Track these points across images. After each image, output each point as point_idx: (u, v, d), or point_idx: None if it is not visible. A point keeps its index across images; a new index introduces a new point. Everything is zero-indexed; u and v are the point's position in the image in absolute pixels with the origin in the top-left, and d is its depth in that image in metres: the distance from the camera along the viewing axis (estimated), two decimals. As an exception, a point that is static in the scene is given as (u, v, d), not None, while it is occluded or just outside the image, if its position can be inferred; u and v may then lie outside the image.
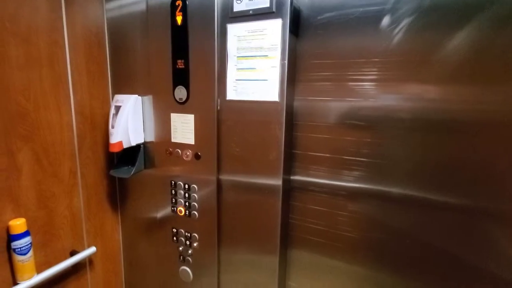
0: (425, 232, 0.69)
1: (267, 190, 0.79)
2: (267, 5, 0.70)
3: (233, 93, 0.78)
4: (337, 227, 0.79)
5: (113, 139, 0.90)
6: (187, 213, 0.92)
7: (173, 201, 0.94)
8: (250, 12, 0.72)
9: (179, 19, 0.80)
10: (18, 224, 0.76)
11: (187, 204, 0.91)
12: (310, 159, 0.80)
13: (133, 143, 0.94)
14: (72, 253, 0.86)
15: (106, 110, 1.01)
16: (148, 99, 0.94)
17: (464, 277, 0.67)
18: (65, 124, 0.87)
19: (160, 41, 0.85)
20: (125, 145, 0.92)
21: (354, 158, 0.74)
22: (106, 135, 1.01)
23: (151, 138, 0.97)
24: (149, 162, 0.99)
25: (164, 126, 0.90)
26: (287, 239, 0.86)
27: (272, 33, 0.70)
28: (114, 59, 1.00)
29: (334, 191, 0.78)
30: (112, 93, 1.03)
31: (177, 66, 0.84)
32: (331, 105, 0.75)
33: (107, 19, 0.98)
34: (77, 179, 0.92)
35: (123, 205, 1.11)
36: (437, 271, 0.70)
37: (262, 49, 0.72)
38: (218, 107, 0.81)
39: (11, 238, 0.75)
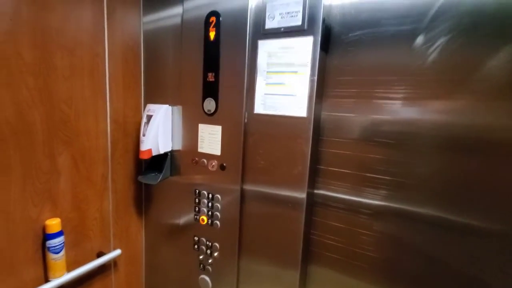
0: (447, 254, 0.66)
1: (291, 203, 0.79)
2: (299, 23, 0.71)
3: (261, 107, 0.80)
4: (358, 245, 0.77)
5: (144, 147, 0.94)
6: (209, 222, 0.93)
7: (196, 209, 0.96)
8: (282, 29, 0.74)
9: (212, 34, 0.84)
10: (53, 224, 0.80)
11: (210, 213, 0.93)
12: (334, 175, 0.79)
13: (162, 151, 0.97)
14: (99, 255, 0.90)
15: (138, 118, 1.06)
16: (178, 109, 0.98)
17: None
18: (100, 131, 0.92)
19: (192, 54, 0.89)
20: (154, 153, 0.96)
21: (377, 175, 0.72)
22: (137, 142, 1.06)
23: (178, 146, 1.00)
24: (174, 170, 1.02)
25: (191, 136, 0.93)
26: (308, 254, 0.85)
27: (303, 50, 0.71)
28: (148, 70, 1.06)
29: (356, 208, 0.76)
30: (144, 103, 1.08)
31: (207, 79, 0.87)
32: (358, 121, 0.74)
33: (143, 32, 1.04)
34: (108, 184, 0.96)
35: (147, 211, 1.14)
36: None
37: (292, 65, 0.74)
38: (246, 120, 0.83)
39: (47, 237, 0.80)
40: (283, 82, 0.76)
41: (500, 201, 0.60)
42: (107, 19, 0.90)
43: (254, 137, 0.82)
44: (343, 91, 0.75)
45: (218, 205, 0.90)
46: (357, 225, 0.77)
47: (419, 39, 0.65)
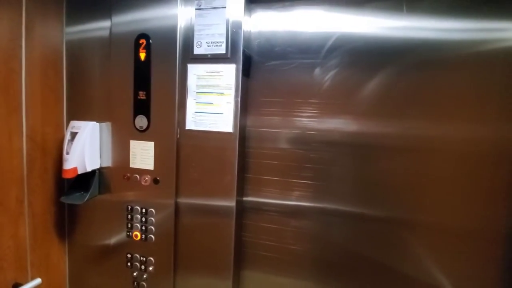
0: (358, 242, 0.85)
1: (222, 211, 0.87)
2: (223, 51, 0.82)
3: (192, 123, 0.87)
4: (285, 241, 0.91)
5: (68, 165, 0.90)
6: (143, 237, 0.94)
7: (129, 226, 0.95)
8: (209, 56, 0.84)
9: (142, 55, 0.88)
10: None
11: (143, 228, 0.94)
12: (261, 182, 0.92)
13: (89, 169, 0.94)
14: (15, 286, 0.81)
15: (60, 135, 1.01)
16: (107, 126, 0.97)
17: (390, 280, 0.83)
18: (15, 150, 0.84)
19: (122, 72, 0.91)
20: (80, 171, 0.92)
21: (297, 180, 0.88)
22: (58, 161, 1.00)
23: (107, 163, 0.98)
24: (103, 188, 1.00)
25: (122, 152, 0.94)
26: (241, 257, 0.94)
27: (227, 75, 0.83)
28: (71, 84, 1.02)
29: (281, 209, 0.90)
30: (67, 119, 1.03)
31: (138, 97, 0.90)
32: (278, 135, 0.89)
33: (66, 43, 1.00)
34: (24, 208, 0.88)
35: (72, 234, 1.07)
36: (369, 278, 0.85)
37: (219, 87, 0.84)
38: (178, 136, 0.89)
39: None
40: (212, 102, 0.85)
41: (391, 194, 0.82)
42: (26, 31, 0.85)
43: (186, 151, 0.89)
44: (265, 110, 0.90)
45: (152, 219, 0.93)
46: (283, 224, 0.91)
47: (317, 71, 0.84)
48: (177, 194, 0.91)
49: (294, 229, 0.90)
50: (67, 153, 0.91)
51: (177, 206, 0.91)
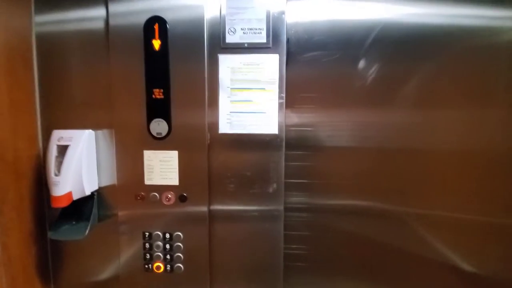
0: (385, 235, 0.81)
1: (268, 222, 0.76)
2: (264, 40, 0.70)
3: (226, 126, 0.73)
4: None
5: (59, 191, 0.67)
6: (168, 268, 0.77)
7: (147, 256, 0.77)
8: (245, 45, 0.71)
9: (156, 44, 0.71)
10: None
11: (168, 257, 0.76)
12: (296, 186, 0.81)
13: (88, 192, 0.73)
14: None
15: (34, 151, 0.76)
16: (105, 134, 0.76)
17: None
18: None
19: (127, 66, 0.72)
20: (76, 196, 0.71)
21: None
22: (37, 184, 0.75)
23: (109, 181, 0.78)
24: (105, 213, 0.79)
25: (133, 166, 0.75)
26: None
27: (269, 67, 0.71)
28: (45, 84, 0.77)
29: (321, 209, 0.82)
30: (42, 128, 0.78)
31: (153, 96, 0.72)
32: (316, 134, 0.80)
33: (36, 36, 0.75)
34: (-2, 255, 0.63)
35: (59, 277, 0.82)
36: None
37: (259, 82, 0.72)
38: (208, 141, 0.74)
39: None
40: (251, 99, 0.72)
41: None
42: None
43: (220, 159, 0.75)
44: (302, 106, 0.79)
45: (180, 244, 0.76)
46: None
47: (361, 63, 0.77)
48: (209, 212, 0.76)
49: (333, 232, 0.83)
50: (57, 174, 0.68)
51: (211, 226, 0.76)
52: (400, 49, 0.75)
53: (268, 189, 0.75)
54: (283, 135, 0.73)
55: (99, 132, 0.76)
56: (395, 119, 0.78)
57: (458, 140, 0.76)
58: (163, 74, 0.71)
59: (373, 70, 0.77)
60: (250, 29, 0.70)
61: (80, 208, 0.76)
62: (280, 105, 0.72)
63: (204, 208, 0.75)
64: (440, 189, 0.77)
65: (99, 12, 0.73)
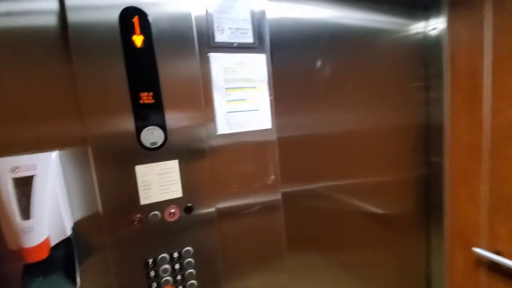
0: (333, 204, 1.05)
1: (269, 210, 0.80)
2: (251, 40, 0.73)
3: (225, 126, 0.72)
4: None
5: (36, 238, 0.49)
6: (179, 290, 0.69)
7: (154, 286, 0.67)
8: (235, 44, 0.72)
9: (138, 40, 0.61)
10: None
11: (178, 278, 0.69)
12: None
13: (69, 232, 0.55)
14: None
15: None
16: (73, 153, 0.59)
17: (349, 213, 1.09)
18: None
19: (100, 69, 0.59)
20: (55, 241, 0.53)
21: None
22: (-30, 243, 0.51)
23: (87, 212, 0.61)
24: (85, 255, 0.62)
25: (122, 187, 0.62)
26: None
27: (259, 66, 0.75)
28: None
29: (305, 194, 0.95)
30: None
31: (140, 101, 0.62)
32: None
33: None
34: None
35: None
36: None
37: (251, 81, 0.74)
38: (209, 144, 0.71)
39: None
40: (245, 98, 0.74)
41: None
42: None
43: (221, 160, 0.73)
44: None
45: (191, 260, 0.70)
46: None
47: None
48: (218, 216, 0.73)
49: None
50: (28, 217, 0.49)
51: (220, 230, 0.74)
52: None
53: (267, 181, 0.79)
54: (275, 128, 0.79)
55: (66, 152, 0.59)
56: (332, 109, 0.97)
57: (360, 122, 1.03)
58: (151, 75, 0.63)
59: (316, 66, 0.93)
60: (238, 28, 0.72)
61: (52, 259, 0.56)
62: (271, 101, 0.77)
63: (211, 214, 0.72)
64: (354, 163, 1.02)
65: (52, 4, 0.56)
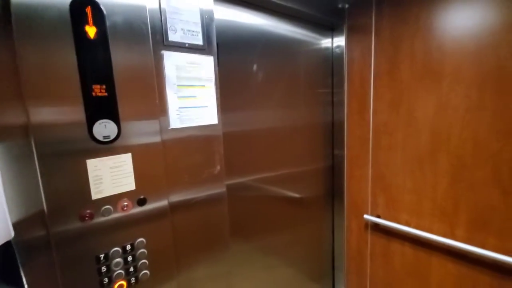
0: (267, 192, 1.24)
1: (215, 199, 0.89)
2: (201, 42, 0.80)
3: (177, 121, 0.76)
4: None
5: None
6: (132, 281, 0.70)
7: (105, 282, 0.66)
8: (187, 45, 0.76)
9: (91, 31, 0.59)
10: None
11: (131, 269, 0.70)
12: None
13: (13, 234, 0.50)
14: None
15: None
16: (9, 146, 0.53)
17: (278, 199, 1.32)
18: None
19: (47, 57, 0.55)
20: (2, 240, 0.48)
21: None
22: None
23: (28, 211, 0.56)
24: (27, 257, 0.56)
25: (71, 182, 0.59)
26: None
27: (207, 67, 0.82)
28: None
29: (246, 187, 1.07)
30: None
31: (93, 93, 0.61)
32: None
33: None
34: None
35: None
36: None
37: (200, 80, 0.80)
38: (161, 137, 0.73)
39: None
40: (195, 95, 0.80)
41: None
42: None
43: (173, 153, 0.77)
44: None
45: (144, 250, 0.72)
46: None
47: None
48: (170, 206, 0.77)
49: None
50: (-35, 219, 0.43)
51: (174, 221, 0.77)
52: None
53: (214, 172, 0.87)
54: (220, 123, 0.88)
55: (5, 145, 0.52)
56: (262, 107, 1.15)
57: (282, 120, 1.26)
58: (104, 67, 0.62)
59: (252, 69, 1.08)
60: (189, 30, 0.77)
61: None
62: (217, 99, 0.85)
63: (165, 203, 0.75)
64: (277, 156, 1.24)
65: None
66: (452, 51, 1.02)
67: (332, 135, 1.44)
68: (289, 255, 1.31)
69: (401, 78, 1.16)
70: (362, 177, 1.34)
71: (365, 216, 1.30)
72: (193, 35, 0.78)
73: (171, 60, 0.74)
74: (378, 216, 1.28)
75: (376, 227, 1.32)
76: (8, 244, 0.52)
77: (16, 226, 0.54)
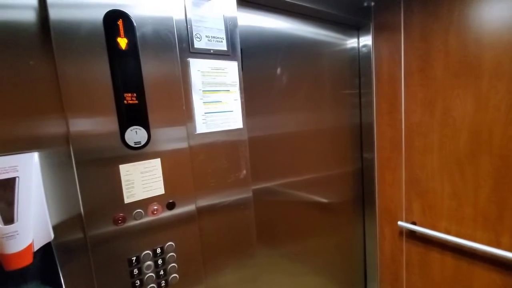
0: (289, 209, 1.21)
1: (242, 204, 0.88)
2: (225, 48, 0.81)
3: (203, 126, 0.78)
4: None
5: (19, 244, 0.47)
6: (162, 285, 0.71)
7: (137, 284, 0.68)
8: (211, 51, 0.78)
9: (122, 42, 0.62)
10: None
11: (161, 273, 0.71)
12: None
13: (53, 235, 0.53)
14: None
15: None
16: (51, 153, 0.57)
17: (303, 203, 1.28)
18: None
19: (83, 68, 0.58)
20: (38, 245, 0.51)
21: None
22: None
23: (65, 215, 0.59)
24: (66, 259, 0.59)
25: (105, 187, 0.62)
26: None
27: (231, 72, 0.82)
28: None
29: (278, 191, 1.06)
30: None
31: (125, 102, 0.63)
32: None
33: None
34: None
35: None
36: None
37: (225, 85, 0.81)
38: (188, 143, 0.75)
39: None
40: (220, 100, 0.81)
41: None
42: None
43: (200, 158, 0.78)
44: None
45: (174, 254, 0.73)
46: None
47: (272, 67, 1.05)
48: (197, 210, 0.78)
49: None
50: (12, 220, 0.47)
51: (201, 226, 0.78)
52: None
53: (240, 176, 0.87)
54: (246, 127, 0.88)
55: (36, 153, 0.56)
56: (293, 111, 1.13)
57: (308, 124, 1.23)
58: (135, 76, 0.64)
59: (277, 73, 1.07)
60: (214, 37, 0.78)
61: (33, 262, 0.53)
62: (242, 103, 0.86)
63: (192, 207, 0.76)
64: (304, 161, 1.20)
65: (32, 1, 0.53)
66: (490, 44, 0.94)
67: (361, 137, 1.39)
68: (318, 262, 1.26)
69: (434, 75, 1.09)
70: (395, 181, 1.27)
71: (399, 223, 1.23)
72: (217, 41, 0.79)
73: (197, 67, 0.76)
74: (414, 223, 1.20)
75: (411, 234, 1.23)
76: (48, 245, 0.55)
77: (55, 228, 0.57)
